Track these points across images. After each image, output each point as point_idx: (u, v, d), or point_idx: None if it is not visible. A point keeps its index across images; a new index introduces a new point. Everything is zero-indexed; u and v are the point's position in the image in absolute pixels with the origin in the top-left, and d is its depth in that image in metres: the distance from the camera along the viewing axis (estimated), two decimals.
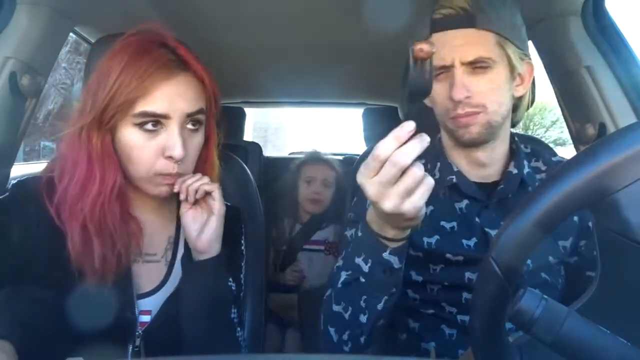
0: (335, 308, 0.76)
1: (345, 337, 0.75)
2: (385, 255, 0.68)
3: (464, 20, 0.76)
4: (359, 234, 0.72)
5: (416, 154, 0.57)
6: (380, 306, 0.72)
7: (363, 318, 0.73)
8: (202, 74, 0.78)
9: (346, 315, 0.74)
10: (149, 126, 0.73)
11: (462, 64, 0.77)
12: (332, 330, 0.77)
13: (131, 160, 0.75)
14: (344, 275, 0.75)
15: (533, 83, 0.90)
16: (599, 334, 0.40)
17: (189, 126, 0.77)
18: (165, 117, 0.74)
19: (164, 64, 0.74)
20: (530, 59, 0.84)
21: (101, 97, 0.72)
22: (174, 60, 0.76)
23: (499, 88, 0.79)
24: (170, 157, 0.75)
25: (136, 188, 0.80)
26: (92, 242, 0.73)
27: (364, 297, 0.72)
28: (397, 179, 0.58)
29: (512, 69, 0.80)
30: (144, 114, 0.72)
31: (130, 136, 0.74)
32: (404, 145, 0.57)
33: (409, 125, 0.58)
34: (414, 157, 0.57)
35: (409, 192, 0.59)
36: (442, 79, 0.81)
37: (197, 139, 0.80)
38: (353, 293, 0.73)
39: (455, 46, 0.77)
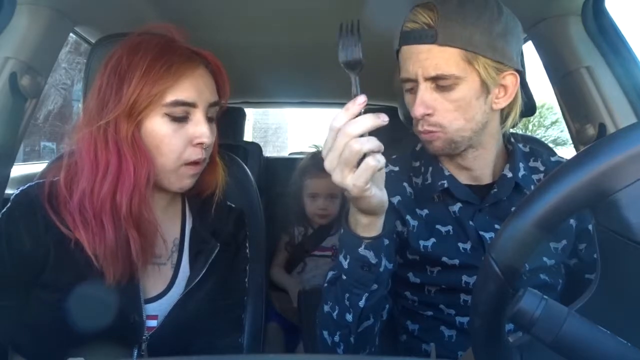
0: (325, 308, 0.77)
1: (336, 338, 0.76)
2: (361, 250, 0.70)
3: (427, 36, 0.76)
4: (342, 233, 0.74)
5: (366, 127, 0.59)
6: (362, 303, 0.72)
7: (349, 317, 0.73)
8: (220, 68, 0.83)
9: (334, 315, 0.75)
10: (179, 115, 0.76)
11: (425, 79, 0.77)
12: (325, 333, 0.77)
13: (160, 150, 0.76)
14: (330, 274, 0.77)
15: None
16: (599, 334, 0.40)
17: (208, 116, 0.80)
18: (193, 105, 0.77)
19: (189, 57, 0.78)
20: (513, 69, 0.79)
21: (129, 91, 0.73)
22: (196, 53, 0.80)
23: (465, 106, 0.77)
24: (199, 144, 0.77)
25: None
26: (128, 238, 0.73)
27: (347, 294, 0.73)
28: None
29: (483, 83, 0.77)
30: (176, 103, 0.75)
31: (159, 126, 0.75)
32: (357, 117, 0.60)
33: (360, 99, 0.61)
34: (362, 129, 0.59)
35: (349, 165, 0.60)
36: (412, 92, 0.81)
37: (214, 129, 0.83)
38: (337, 291, 0.74)
39: (418, 61, 0.77)
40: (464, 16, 0.75)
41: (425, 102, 0.77)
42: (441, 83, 0.76)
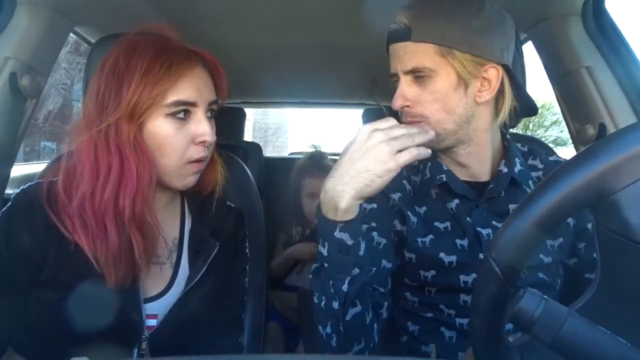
0: (315, 300, 0.78)
1: (328, 330, 0.77)
2: (337, 233, 0.73)
3: (402, 34, 0.81)
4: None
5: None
6: (344, 288, 0.74)
7: (335, 304, 0.75)
8: (217, 66, 0.83)
9: (322, 305, 0.77)
10: (181, 115, 0.76)
11: (404, 73, 0.82)
12: (320, 327, 0.78)
13: (163, 151, 0.76)
14: (314, 267, 0.79)
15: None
16: (599, 334, 0.40)
17: (208, 115, 0.80)
18: (194, 104, 0.77)
19: (186, 56, 0.78)
20: (495, 62, 0.80)
21: (129, 93, 0.73)
22: (193, 52, 0.80)
23: (443, 97, 0.80)
24: (201, 143, 0.78)
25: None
26: (131, 241, 0.73)
27: (330, 281, 0.75)
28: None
29: (459, 76, 0.79)
30: (177, 103, 0.75)
31: (161, 127, 0.75)
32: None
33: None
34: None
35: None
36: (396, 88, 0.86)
37: (214, 127, 0.83)
38: (322, 280, 0.76)
39: (398, 57, 0.82)
40: (438, 13, 0.80)
41: (404, 94, 0.82)
42: (418, 76, 0.81)
